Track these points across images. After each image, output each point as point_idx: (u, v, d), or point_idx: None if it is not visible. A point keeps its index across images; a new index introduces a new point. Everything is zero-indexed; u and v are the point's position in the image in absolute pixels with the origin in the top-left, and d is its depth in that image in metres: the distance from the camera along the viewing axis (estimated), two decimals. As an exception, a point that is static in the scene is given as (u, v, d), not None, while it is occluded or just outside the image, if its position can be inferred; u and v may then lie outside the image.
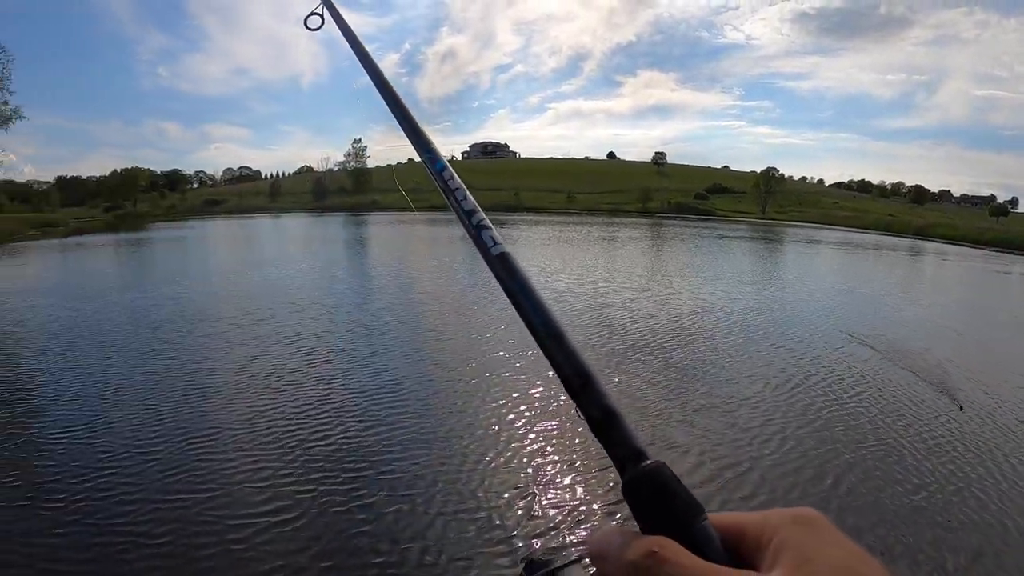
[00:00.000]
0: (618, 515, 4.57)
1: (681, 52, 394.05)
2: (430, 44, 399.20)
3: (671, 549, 0.32)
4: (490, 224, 0.52)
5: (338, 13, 0.99)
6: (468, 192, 0.56)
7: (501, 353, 8.94)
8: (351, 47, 0.89)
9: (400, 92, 0.79)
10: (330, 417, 6.35)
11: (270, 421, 6.22)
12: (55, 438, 5.94)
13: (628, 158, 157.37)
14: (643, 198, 79.67)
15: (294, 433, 5.89)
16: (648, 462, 0.37)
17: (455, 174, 0.58)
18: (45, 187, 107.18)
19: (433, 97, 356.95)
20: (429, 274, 18.39)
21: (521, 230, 38.51)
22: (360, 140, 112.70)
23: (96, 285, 16.69)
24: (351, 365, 8.39)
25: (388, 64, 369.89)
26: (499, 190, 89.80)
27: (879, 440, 6.51)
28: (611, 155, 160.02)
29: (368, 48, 0.86)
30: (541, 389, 7.36)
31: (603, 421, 0.40)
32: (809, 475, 5.63)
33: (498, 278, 0.48)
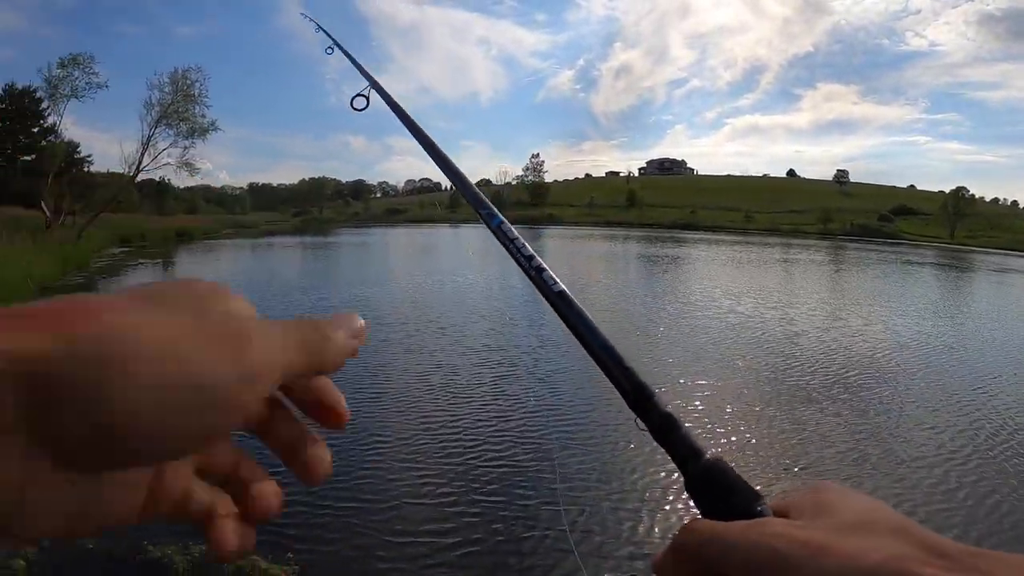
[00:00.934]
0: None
1: (861, 62, 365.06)
2: (604, 59, 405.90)
3: (703, 521, 0.37)
4: (546, 266, 0.58)
5: (386, 93, 1.09)
6: (525, 242, 0.64)
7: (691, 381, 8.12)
8: (402, 122, 0.98)
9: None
10: (504, 438, 5.88)
11: (441, 435, 5.92)
12: None
13: (809, 176, 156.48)
14: (823, 219, 78.53)
15: (464, 451, 5.56)
16: (707, 457, 0.42)
17: (512, 227, 0.66)
18: (238, 192, 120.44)
19: (608, 112, 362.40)
20: (607, 291, 17.20)
21: (700, 250, 37.67)
22: (538, 155, 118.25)
23: (281, 283, 17.80)
24: (533, 382, 7.95)
25: (563, 80, 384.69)
26: (675, 208, 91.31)
27: None
28: (791, 173, 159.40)
29: (420, 122, 0.95)
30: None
31: (663, 427, 0.45)
32: None
33: (557, 311, 0.55)
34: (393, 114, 1.03)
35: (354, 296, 14.96)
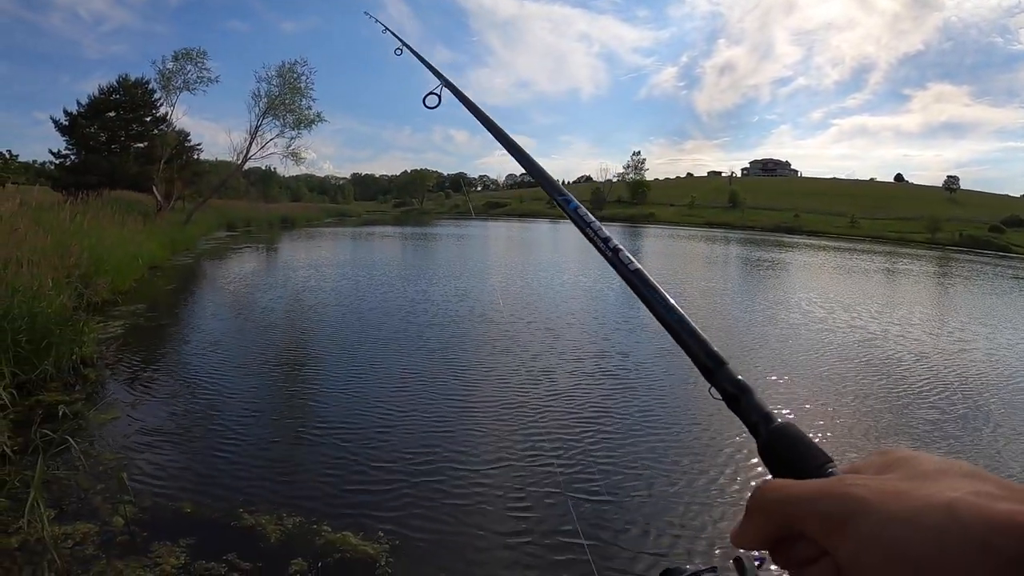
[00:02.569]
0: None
1: (973, 61, 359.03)
2: (708, 57, 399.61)
3: (777, 480, 0.39)
4: (622, 246, 0.62)
5: (457, 90, 1.19)
6: (600, 224, 0.67)
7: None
8: (476, 118, 1.06)
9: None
10: (598, 435, 5.62)
11: (534, 429, 5.73)
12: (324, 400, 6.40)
13: (918, 181, 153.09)
14: (931, 228, 75.66)
15: (558, 446, 5.35)
16: (779, 422, 0.45)
17: (588, 210, 0.70)
18: (341, 182, 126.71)
19: (711, 111, 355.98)
20: (705, 296, 15.98)
21: (803, 255, 35.96)
22: (639, 152, 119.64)
23: (383, 272, 17.81)
24: (624, 389, 7.18)
25: (665, 77, 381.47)
26: (778, 210, 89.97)
27: None
28: (899, 177, 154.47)
29: (495, 117, 1.02)
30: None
31: (736, 394, 0.48)
32: None
33: (634, 289, 0.58)
34: (467, 110, 1.12)
35: (453, 288, 15.19)
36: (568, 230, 52.83)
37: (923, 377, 8.43)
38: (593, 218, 0.69)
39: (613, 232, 0.65)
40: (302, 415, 5.93)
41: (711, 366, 0.50)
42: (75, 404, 5.52)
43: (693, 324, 0.53)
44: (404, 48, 1.71)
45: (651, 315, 0.57)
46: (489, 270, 19.51)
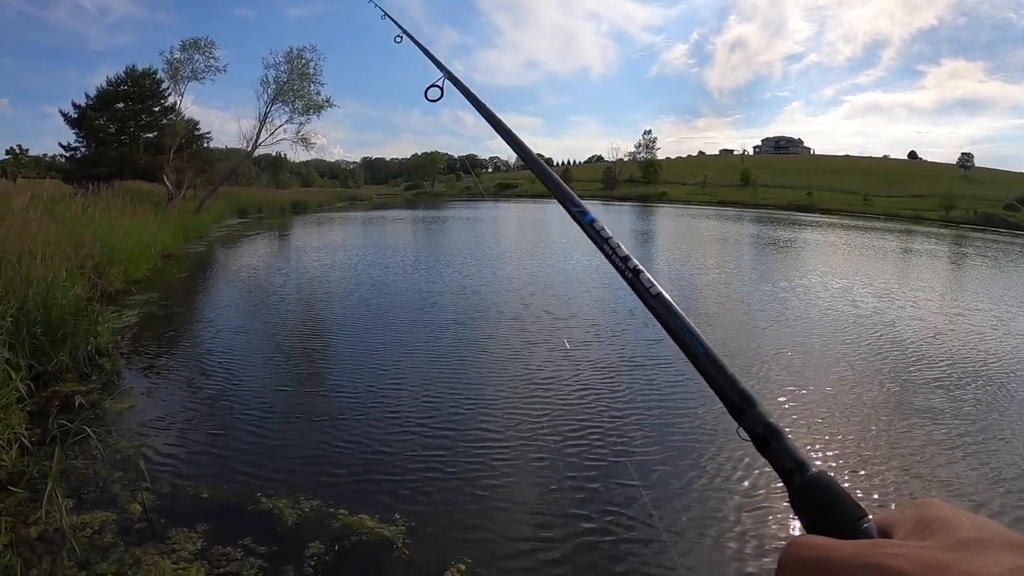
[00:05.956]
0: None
1: (989, 37, 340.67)
2: (718, 33, 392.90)
3: (811, 537, 0.38)
4: (643, 268, 0.59)
5: (461, 83, 1.16)
6: (619, 241, 0.63)
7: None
8: (478, 111, 1.04)
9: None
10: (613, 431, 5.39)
11: (557, 422, 5.53)
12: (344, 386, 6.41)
13: (932, 159, 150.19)
14: (946, 205, 75.47)
15: (575, 436, 5.18)
16: (813, 471, 0.43)
17: (604, 225, 0.66)
18: (352, 166, 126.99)
19: (723, 88, 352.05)
20: (717, 280, 15.33)
21: (817, 234, 35.40)
22: (650, 131, 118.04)
23: (396, 256, 17.52)
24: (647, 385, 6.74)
25: (676, 55, 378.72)
26: (791, 188, 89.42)
27: None
28: (912, 155, 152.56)
29: (498, 116, 0.99)
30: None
31: (767, 437, 0.46)
32: None
33: (657, 316, 0.55)
34: (470, 104, 1.10)
35: (473, 274, 15.24)
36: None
37: (952, 362, 8.38)
38: (610, 233, 0.66)
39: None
40: (317, 400, 5.96)
41: (740, 405, 0.48)
42: (91, 394, 5.59)
43: (720, 358, 0.51)
44: (404, 36, 1.68)
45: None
46: (518, 257, 19.20)
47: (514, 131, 0.97)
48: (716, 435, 5.13)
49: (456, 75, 1.23)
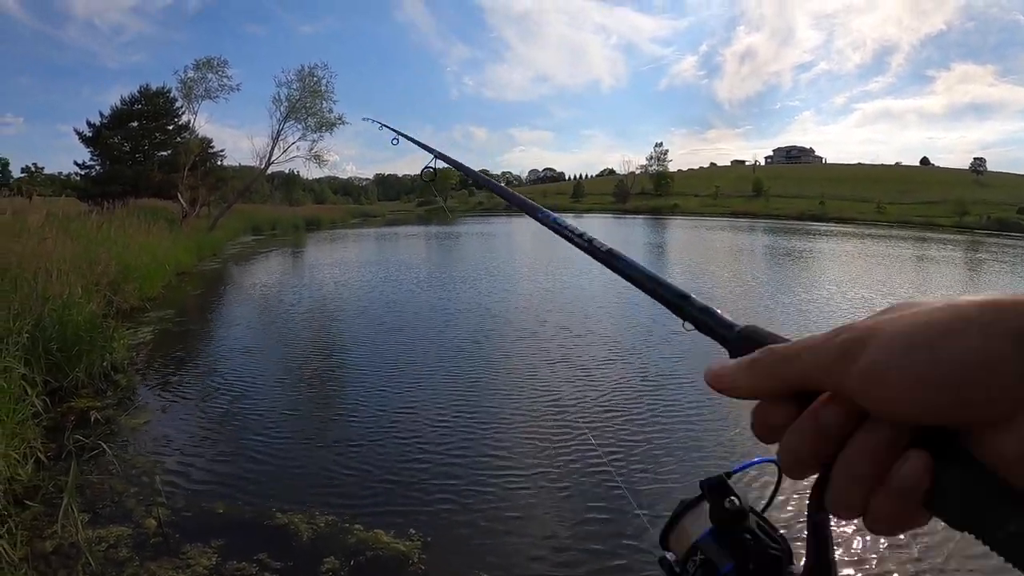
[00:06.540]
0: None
1: (998, 40, 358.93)
2: (727, 44, 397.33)
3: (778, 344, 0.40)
4: (594, 237, 0.68)
5: (448, 158, 1.38)
6: (573, 222, 0.74)
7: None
8: (471, 178, 1.23)
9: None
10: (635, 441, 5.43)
11: (574, 435, 5.51)
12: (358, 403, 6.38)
13: (944, 164, 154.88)
14: (959, 211, 75.80)
15: (594, 448, 5.33)
16: (740, 326, 0.48)
17: (559, 216, 0.78)
18: (364, 183, 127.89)
19: (733, 99, 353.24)
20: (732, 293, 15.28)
21: (831, 243, 35.21)
22: (661, 144, 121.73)
23: (410, 273, 17.54)
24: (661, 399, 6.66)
25: (685, 67, 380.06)
26: (803, 198, 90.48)
27: None
28: (924, 161, 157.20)
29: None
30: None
31: (704, 319, 0.51)
32: None
33: (608, 265, 0.63)
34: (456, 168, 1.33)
35: (468, 299, 15.30)
36: (594, 223, 52.90)
37: None
38: (568, 222, 0.75)
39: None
40: (331, 417, 5.97)
41: (678, 303, 0.53)
42: (106, 410, 5.61)
43: (658, 275, 0.58)
44: (400, 138, 1.85)
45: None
46: (532, 273, 19.24)
47: (502, 185, 1.06)
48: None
49: (445, 153, 1.40)
